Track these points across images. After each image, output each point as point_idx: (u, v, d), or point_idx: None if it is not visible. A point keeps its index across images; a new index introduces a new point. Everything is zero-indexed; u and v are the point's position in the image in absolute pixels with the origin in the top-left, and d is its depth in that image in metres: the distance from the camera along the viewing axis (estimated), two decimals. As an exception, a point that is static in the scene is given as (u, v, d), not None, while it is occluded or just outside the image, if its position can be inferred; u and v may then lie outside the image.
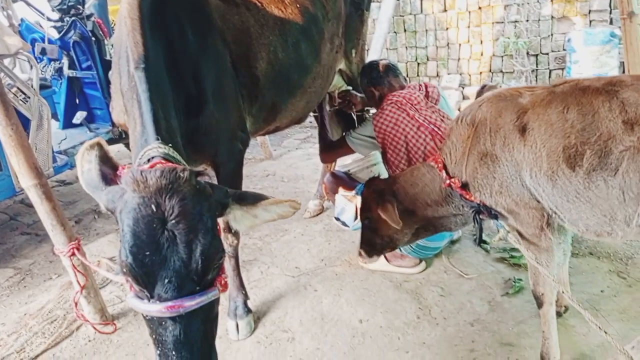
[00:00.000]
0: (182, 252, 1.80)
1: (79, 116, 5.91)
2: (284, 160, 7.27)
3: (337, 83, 4.73)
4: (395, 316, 3.58)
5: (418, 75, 9.74)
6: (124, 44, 2.64)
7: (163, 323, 1.83)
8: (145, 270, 1.77)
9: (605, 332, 2.35)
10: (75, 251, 3.41)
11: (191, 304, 1.82)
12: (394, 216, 2.93)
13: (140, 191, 1.82)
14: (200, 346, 1.91)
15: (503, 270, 4.03)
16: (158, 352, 1.89)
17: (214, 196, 1.99)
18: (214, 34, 3.12)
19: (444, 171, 2.90)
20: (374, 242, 3.27)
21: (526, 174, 2.55)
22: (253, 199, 2.12)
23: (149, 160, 2.08)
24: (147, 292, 1.81)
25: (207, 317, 1.95)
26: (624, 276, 3.81)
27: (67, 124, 6.09)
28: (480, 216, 2.87)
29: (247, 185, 6.33)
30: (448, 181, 2.88)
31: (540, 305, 2.86)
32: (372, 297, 3.76)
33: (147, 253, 1.76)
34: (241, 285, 3.64)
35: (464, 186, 2.84)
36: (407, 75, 9.56)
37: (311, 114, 5.07)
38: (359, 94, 4.56)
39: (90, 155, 2.00)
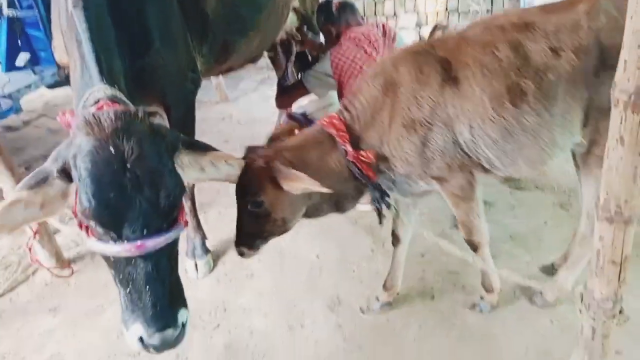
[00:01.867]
0: (147, 192, 1.81)
1: (22, 58, 5.60)
2: (240, 103, 7.17)
3: (292, 22, 4.64)
4: (351, 250, 3.71)
5: (375, 15, 9.60)
6: None
7: (133, 262, 1.85)
8: (111, 212, 1.77)
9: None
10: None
11: (160, 240, 1.85)
12: (309, 180, 2.24)
13: (96, 134, 1.78)
14: (170, 280, 1.97)
15: (453, 204, 4.19)
16: (127, 290, 1.90)
17: (168, 136, 1.97)
18: None
19: (347, 144, 2.45)
20: (263, 230, 2.49)
21: (464, 128, 2.46)
22: (203, 147, 2.13)
23: (95, 103, 2.01)
24: (115, 234, 1.81)
25: (172, 253, 2.00)
26: (566, 208, 4.04)
27: (10, 67, 5.77)
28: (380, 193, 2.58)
29: (203, 129, 6.24)
30: (354, 154, 2.45)
31: (476, 249, 2.82)
32: (328, 234, 3.87)
33: (112, 195, 1.75)
34: (198, 226, 3.68)
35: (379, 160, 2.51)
36: (364, 14, 9.41)
37: (266, 55, 4.99)
38: (315, 35, 4.51)
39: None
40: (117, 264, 1.89)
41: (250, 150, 2.43)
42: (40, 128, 6.52)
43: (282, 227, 2.51)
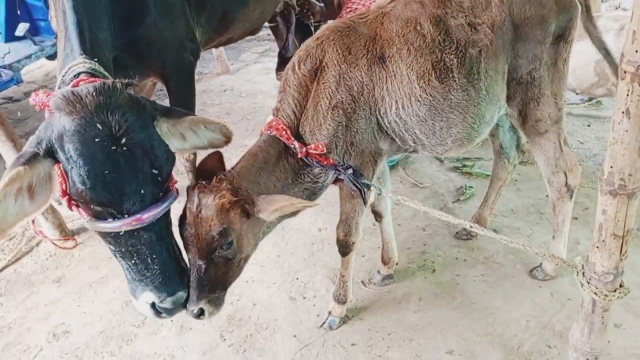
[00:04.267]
0: (140, 164, 1.81)
1: (22, 28, 5.53)
2: (241, 75, 7.11)
3: (293, -9, 4.56)
4: (353, 224, 3.72)
5: (378, -15, 9.49)
6: None
7: (135, 234, 1.88)
8: (107, 190, 1.76)
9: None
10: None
11: (158, 211, 1.88)
12: (281, 197, 2.14)
13: (79, 112, 1.73)
14: (171, 247, 2.04)
15: (455, 178, 4.19)
16: (132, 262, 1.94)
17: (147, 106, 1.94)
18: None
19: (294, 141, 2.33)
20: (227, 276, 2.21)
21: (390, 109, 2.41)
22: (179, 113, 2.08)
23: (75, 77, 1.97)
24: (114, 210, 1.81)
25: (168, 220, 2.04)
26: (567, 182, 4.02)
27: (10, 37, 5.71)
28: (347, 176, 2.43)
29: (204, 101, 6.21)
30: (304, 149, 2.32)
31: (346, 253, 2.75)
32: (331, 207, 3.86)
33: (106, 173, 1.74)
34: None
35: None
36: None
37: (267, 25, 4.92)
38: (318, 3, 4.43)
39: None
40: (117, 239, 1.90)
41: (199, 188, 2.10)
42: (41, 100, 6.47)
43: (244, 266, 2.30)
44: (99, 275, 3.46)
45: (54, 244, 3.64)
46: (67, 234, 3.76)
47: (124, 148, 1.77)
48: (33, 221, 3.08)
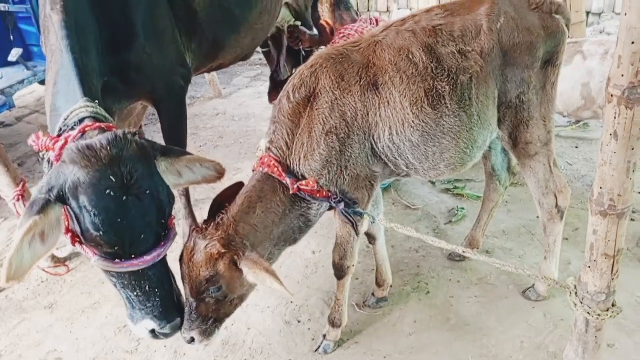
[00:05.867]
0: (147, 210, 1.94)
1: (15, 54, 5.56)
2: (234, 99, 7.16)
3: (286, 17, 4.63)
4: (346, 246, 3.73)
5: (369, 10, 9.61)
6: None
7: (139, 272, 2.00)
8: (118, 236, 1.88)
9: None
10: (21, 198, 3.36)
11: (162, 250, 2.03)
12: (266, 265, 2.22)
13: (94, 165, 1.84)
14: (168, 278, 2.19)
15: (447, 200, 4.23)
16: (134, 294, 2.06)
17: (150, 150, 2.06)
18: None
19: (286, 177, 2.38)
20: (221, 312, 2.34)
21: (383, 134, 2.45)
22: (178, 152, 2.21)
23: (80, 121, 2.06)
24: (122, 252, 1.92)
25: (165, 255, 2.15)
26: (558, 203, 4.07)
27: (3, 62, 5.73)
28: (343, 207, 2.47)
29: (197, 125, 6.24)
30: (296, 186, 2.37)
31: (342, 277, 2.78)
32: (325, 230, 3.88)
33: (119, 221, 1.86)
34: (194, 222, 3.68)
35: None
36: (357, 10, 9.42)
37: (259, 50, 4.98)
38: (307, 31, 4.50)
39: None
40: (121, 274, 2.01)
41: (198, 231, 2.27)
42: (33, 124, 6.48)
43: (239, 304, 2.43)
44: (92, 300, 3.43)
45: (45, 271, 3.62)
46: (58, 261, 3.73)
47: (134, 196, 1.90)
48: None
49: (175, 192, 2.80)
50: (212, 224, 2.30)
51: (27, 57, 5.75)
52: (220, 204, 2.42)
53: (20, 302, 3.47)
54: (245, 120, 6.36)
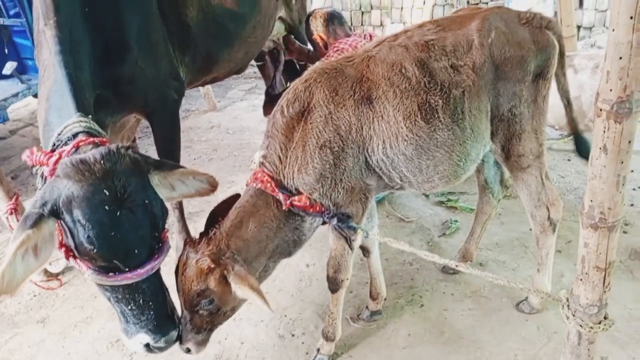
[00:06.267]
0: (141, 223, 1.95)
1: (9, 67, 5.56)
2: (228, 112, 7.18)
3: (280, 31, 4.67)
4: (340, 259, 3.72)
5: (362, 25, 9.70)
6: None
7: (133, 285, 2.00)
8: (112, 249, 1.89)
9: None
10: (13, 211, 3.35)
11: (156, 263, 2.03)
12: (252, 281, 2.24)
13: (87, 179, 1.85)
14: (162, 292, 2.19)
15: (440, 212, 4.25)
16: (128, 307, 2.06)
17: (143, 163, 2.07)
18: None
19: (279, 193, 2.41)
20: (211, 323, 2.40)
21: (377, 147, 2.46)
22: (171, 166, 2.23)
23: (74, 136, 2.08)
24: (117, 266, 1.93)
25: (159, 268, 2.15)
26: (551, 215, 4.09)
27: (-3, 76, 5.76)
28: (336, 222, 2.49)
29: (191, 138, 6.25)
30: (288, 201, 2.40)
31: (336, 290, 2.78)
32: (319, 243, 3.88)
33: (112, 234, 1.86)
34: (184, 229, 3.70)
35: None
36: (351, 24, 9.51)
37: (254, 63, 5.01)
38: (297, 42, 4.55)
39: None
40: (115, 288, 2.01)
41: (190, 245, 2.33)
42: (27, 137, 6.47)
43: (231, 314, 2.47)
44: (84, 315, 3.40)
45: (37, 285, 3.60)
46: (51, 275, 3.71)
47: (127, 210, 1.91)
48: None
49: (169, 205, 2.83)
50: (204, 238, 2.35)
51: (22, 71, 5.76)
52: (216, 217, 2.45)
53: (12, 317, 3.44)
54: (240, 133, 6.37)
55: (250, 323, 3.22)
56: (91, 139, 2.06)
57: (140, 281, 2.00)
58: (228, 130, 6.52)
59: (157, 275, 2.12)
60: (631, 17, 1.60)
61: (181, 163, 3.50)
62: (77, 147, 2.00)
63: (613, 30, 1.68)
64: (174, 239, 3.67)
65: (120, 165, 1.92)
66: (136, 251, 1.95)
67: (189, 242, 2.36)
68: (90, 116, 2.20)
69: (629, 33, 1.62)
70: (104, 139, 2.11)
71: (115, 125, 3.17)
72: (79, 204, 1.83)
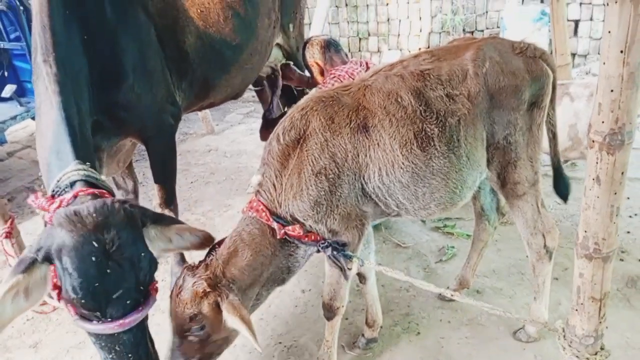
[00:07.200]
0: (127, 276, 2.00)
1: (8, 90, 5.62)
2: (226, 135, 7.22)
3: (278, 57, 4.72)
4: (336, 285, 3.71)
5: (360, 51, 9.82)
6: (34, 22, 2.50)
7: (115, 335, 2.04)
8: (96, 300, 1.94)
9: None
10: (8, 235, 3.35)
11: (139, 316, 2.06)
12: (243, 313, 2.23)
13: (78, 230, 1.92)
14: (146, 341, 2.20)
15: (437, 238, 4.24)
16: (110, 356, 2.09)
17: (138, 218, 2.12)
18: (135, 6, 3.02)
19: (273, 222, 2.43)
20: (205, 352, 2.38)
21: (373, 175, 2.48)
22: (169, 221, 2.29)
23: (72, 184, 2.14)
24: (99, 315, 1.97)
25: (145, 322, 2.20)
26: (547, 242, 4.09)
27: (-4, 98, 5.80)
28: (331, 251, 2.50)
29: (189, 161, 6.27)
30: (282, 231, 2.43)
31: (331, 318, 2.78)
32: (315, 268, 3.87)
33: (97, 285, 1.91)
34: (182, 260, 3.67)
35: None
36: (348, 51, 9.62)
37: (252, 88, 5.05)
38: (297, 70, 4.59)
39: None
40: (99, 336, 2.05)
41: (188, 269, 2.37)
42: (24, 159, 6.47)
43: (225, 346, 2.47)
44: (77, 340, 3.37)
45: (31, 310, 3.56)
46: (44, 300, 3.67)
47: (115, 262, 1.96)
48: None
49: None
50: (201, 264, 2.39)
51: (21, 94, 5.82)
52: (214, 246, 2.49)
53: (4, 341, 3.40)
54: (237, 157, 6.40)
55: (244, 350, 3.19)
56: (91, 190, 2.12)
57: (122, 332, 2.03)
58: (225, 153, 6.55)
59: (140, 328, 2.13)
60: (621, 51, 1.63)
61: (178, 186, 3.54)
62: (75, 197, 2.07)
63: (604, 63, 1.71)
64: (169, 263, 3.65)
65: (112, 219, 1.98)
66: (119, 302, 1.99)
67: (187, 266, 2.39)
68: (89, 164, 2.25)
69: (619, 66, 1.65)
70: (104, 191, 2.17)
71: (112, 149, 3.19)
72: (68, 253, 1.90)
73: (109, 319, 1.98)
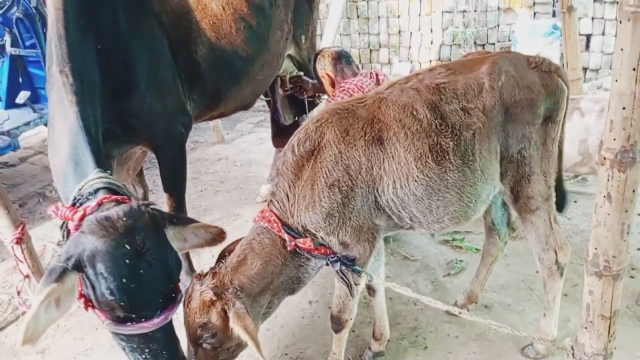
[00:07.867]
0: (159, 276, 2.07)
1: (22, 96, 5.69)
2: (236, 144, 7.25)
3: (288, 68, 4.75)
4: (343, 297, 3.69)
5: (370, 62, 9.85)
6: (50, 32, 2.56)
7: (149, 334, 2.10)
8: (132, 300, 2.00)
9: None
10: (19, 241, 3.37)
11: (171, 313, 2.14)
12: (248, 323, 2.25)
13: (110, 235, 1.98)
14: (175, 340, 2.29)
15: (446, 252, 4.22)
16: (143, 357, 2.15)
17: (160, 219, 2.19)
18: (149, 18, 3.07)
19: (284, 234, 2.45)
20: (219, 358, 2.43)
21: (387, 188, 2.48)
22: (186, 221, 2.36)
23: (95, 192, 2.20)
24: (134, 315, 2.02)
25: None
26: (557, 257, 4.06)
27: (10, 104, 5.85)
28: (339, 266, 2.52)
29: (199, 170, 6.30)
30: (293, 243, 2.44)
31: (339, 330, 2.79)
32: (322, 279, 3.86)
33: (132, 286, 1.98)
34: (190, 269, 3.69)
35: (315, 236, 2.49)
36: (359, 62, 9.65)
37: (263, 98, 5.08)
38: (310, 80, 4.61)
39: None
40: (130, 337, 2.10)
41: (197, 278, 2.40)
42: (37, 165, 6.54)
43: (239, 351, 2.50)
44: (84, 347, 3.38)
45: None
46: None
47: (146, 263, 2.03)
48: (19, 292, 3.10)
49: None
50: (210, 272, 2.41)
51: (35, 100, 5.88)
52: (224, 254, 2.54)
53: (12, 347, 3.42)
54: (247, 166, 6.42)
55: (250, 360, 3.19)
56: (114, 196, 2.18)
57: (155, 330, 2.08)
58: (235, 162, 6.57)
59: (170, 325, 2.20)
60: (634, 69, 1.63)
61: (187, 194, 3.56)
62: (100, 204, 2.12)
63: (616, 80, 1.70)
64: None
65: (140, 222, 2.06)
66: (153, 301, 2.06)
67: (196, 275, 2.43)
68: (108, 172, 2.32)
69: (631, 84, 1.65)
70: (126, 197, 2.23)
71: (122, 157, 3.22)
72: (102, 257, 1.95)
73: (143, 319, 2.03)
